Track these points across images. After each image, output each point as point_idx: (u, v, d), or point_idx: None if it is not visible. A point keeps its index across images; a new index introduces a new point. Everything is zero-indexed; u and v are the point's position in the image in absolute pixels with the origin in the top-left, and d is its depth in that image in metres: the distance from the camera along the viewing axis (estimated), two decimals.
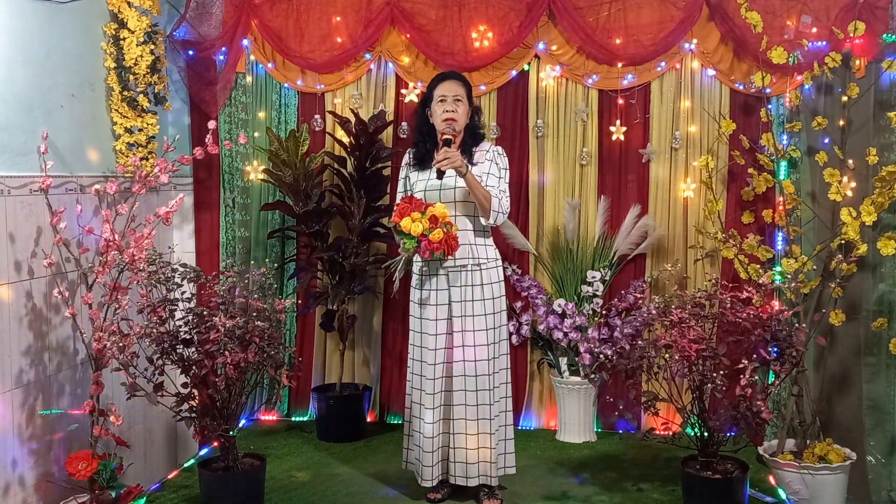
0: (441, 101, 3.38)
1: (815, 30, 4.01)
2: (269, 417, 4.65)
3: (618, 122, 4.35)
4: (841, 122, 3.98)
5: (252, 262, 4.53)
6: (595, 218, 4.38)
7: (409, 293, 3.54)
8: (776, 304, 3.92)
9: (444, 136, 3.29)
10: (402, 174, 3.55)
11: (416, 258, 3.41)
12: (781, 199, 4.05)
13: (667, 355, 3.22)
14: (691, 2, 4.16)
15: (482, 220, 3.36)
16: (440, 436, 3.37)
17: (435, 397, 3.34)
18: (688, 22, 4.17)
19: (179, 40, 4.39)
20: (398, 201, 3.45)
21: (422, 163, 3.45)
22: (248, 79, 4.57)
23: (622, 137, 4.35)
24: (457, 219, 3.33)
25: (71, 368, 3.66)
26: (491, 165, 3.39)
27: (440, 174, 3.24)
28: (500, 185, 3.38)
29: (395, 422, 4.61)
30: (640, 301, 3.95)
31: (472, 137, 3.44)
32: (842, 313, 3.89)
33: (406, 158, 3.55)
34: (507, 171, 3.45)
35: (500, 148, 3.50)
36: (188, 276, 3.39)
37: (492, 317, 3.37)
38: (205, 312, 3.26)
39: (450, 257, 3.25)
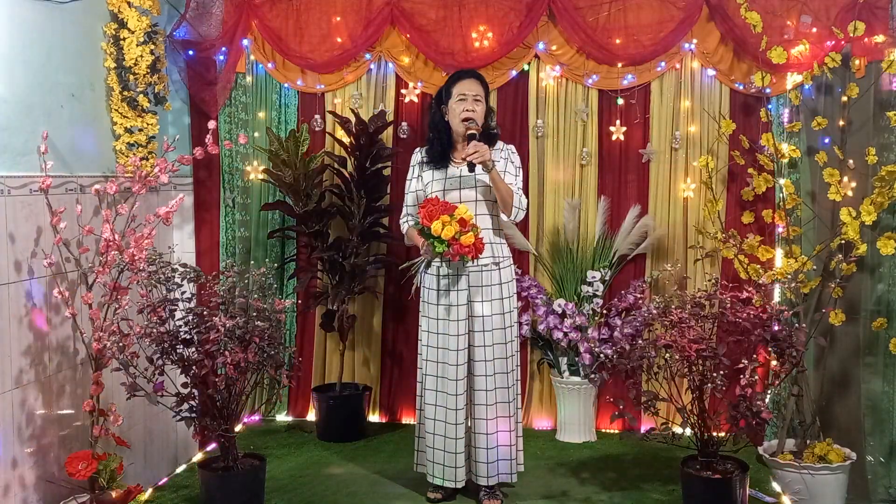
0: (461, 99, 3.35)
1: (814, 30, 4.02)
2: (269, 417, 4.65)
3: (618, 122, 4.35)
4: (841, 122, 3.98)
5: (252, 262, 4.53)
6: (595, 218, 4.38)
7: (418, 292, 3.53)
8: (776, 304, 3.92)
9: (470, 132, 3.26)
10: (412, 173, 3.51)
11: (435, 259, 3.40)
12: (781, 199, 4.05)
13: (667, 355, 3.22)
14: (691, 2, 4.17)
15: (503, 217, 3.36)
16: (466, 436, 3.37)
17: (460, 398, 3.33)
18: (688, 22, 4.17)
19: (179, 40, 4.39)
20: (408, 201, 3.47)
21: (436, 161, 3.42)
22: (248, 79, 4.57)
23: (622, 137, 4.36)
24: (477, 217, 3.31)
25: (71, 368, 3.66)
26: (507, 164, 3.38)
27: (471, 167, 3.20)
28: (517, 182, 3.37)
29: (395, 422, 4.61)
30: (640, 301, 3.95)
31: (486, 138, 3.39)
32: (842, 313, 3.89)
33: (417, 157, 3.51)
34: (521, 170, 3.45)
35: (512, 147, 3.49)
36: (188, 276, 3.39)
37: (507, 315, 3.38)
38: (205, 312, 3.26)
39: (475, 261, 3.25)
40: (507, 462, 3.40)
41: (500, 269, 3.38)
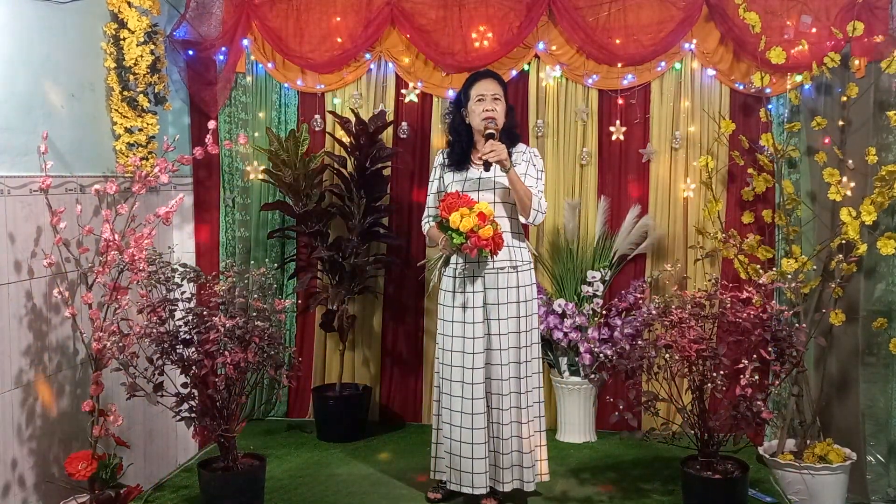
0: (480, 99, 3.33)
1: (814, 30, 4.02)
2: (269, 417, 4.65)
3: (618, 122, 4.35)
4: (840, 122, 3.98)
5: (252, 262, 4.53)
6: (595, 218, 4.38)
7: (424, 296, 3.48)
8: (776, 304, 3.92)
9: (488, 131, 3.25)
10: (434, 175, 3.51)
11: (453, 258, 3.35)
12: (781, 199, 4.05)
13: (667, 355, 3.22)
14: (691, 2, 4.17)
15: (521, 219, 3.32)
16: (489, 441, 3.31)
17: (477, 403, 3.27)
18: (688, 22, 4.17)
19: (179, 40, 4.38)
20: (429, 202, 3.47)
21: (458, 163, 3.40)
22: (248, 79, 4.56)
23: (622, 137, 4.36)
24: (495, 219, 3.26)
25: (71, 368, 3.66)
26: (528, 167, 3.35)
27: (487, 166, 3.19)
28: (538, 185, 3.34)
29: (396, 422, 4.61)
30: (640, 301, 3.95)
31: (508, 138, 3.36)
32: (842, 313, 3.89)
33: (439, 159, 3.51)
34: (544, 173, 3.41)
35: (535, 149, 3.47)
36: (188, 276, 3.39)
37: (523, 320, 3.33)
38: (205, 312, 3.26)
39: (493, 257, 3.21)
40: (521, 469, 3.33)
41: (517, 272, 3.33)
